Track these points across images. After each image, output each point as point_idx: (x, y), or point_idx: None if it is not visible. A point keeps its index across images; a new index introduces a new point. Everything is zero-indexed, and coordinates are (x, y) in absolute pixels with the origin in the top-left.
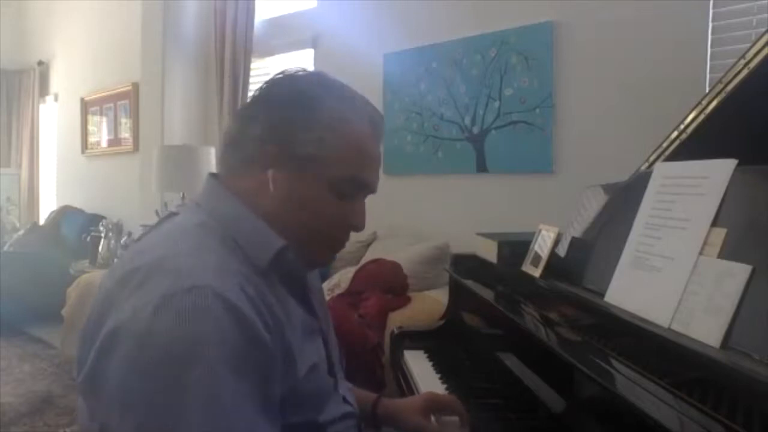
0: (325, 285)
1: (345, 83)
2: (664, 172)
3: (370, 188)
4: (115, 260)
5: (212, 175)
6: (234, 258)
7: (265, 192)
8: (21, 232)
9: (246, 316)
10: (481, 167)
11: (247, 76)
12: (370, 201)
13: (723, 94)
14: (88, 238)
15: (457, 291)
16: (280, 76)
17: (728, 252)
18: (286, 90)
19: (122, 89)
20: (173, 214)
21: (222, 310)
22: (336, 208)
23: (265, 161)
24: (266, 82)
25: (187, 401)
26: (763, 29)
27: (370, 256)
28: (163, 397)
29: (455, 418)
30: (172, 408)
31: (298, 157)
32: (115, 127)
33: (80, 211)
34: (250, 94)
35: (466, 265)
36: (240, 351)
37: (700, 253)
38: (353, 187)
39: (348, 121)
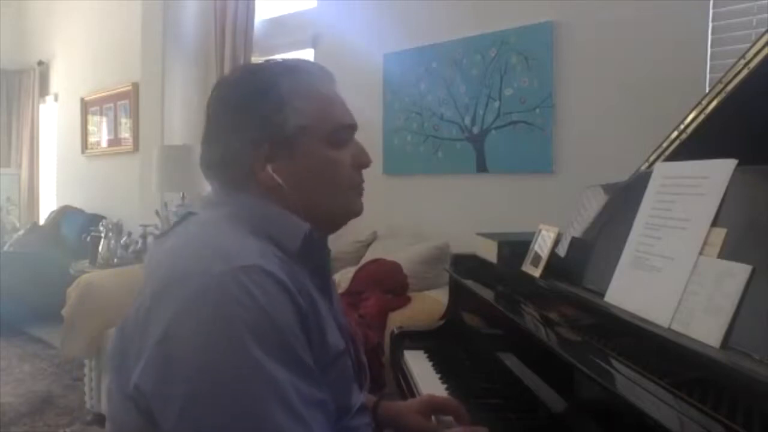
0: None
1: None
2: (664, 172)
3: (353, 126)
4: (147, 260)
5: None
6: (268, 245)
7: (278, 188)
8: (21, 232)
9: (293, 291)
10: (481, 167)
11: None
12: (370, 201)
13: (723, 94)
14: (88, 238)
15: (457, 291)
16: (219, 86)
17: (728, 252)
18: (240, 92)
19: (122, 89)
20: (192, 213)
21: (274, 286)
22: (342, 157)
23: (263, 161)
24: (212, 98)
25: (252, 381)
26: (763, 29)
27: (370, 256)
28: (238, 376)
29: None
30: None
31: (286, 139)
32: (115, 127)
33: (80, 211)
34: None
35: (466, 265)
36: (295, 324)
37: (700, 253)
38: (343, 132)
39: (304, 80)
